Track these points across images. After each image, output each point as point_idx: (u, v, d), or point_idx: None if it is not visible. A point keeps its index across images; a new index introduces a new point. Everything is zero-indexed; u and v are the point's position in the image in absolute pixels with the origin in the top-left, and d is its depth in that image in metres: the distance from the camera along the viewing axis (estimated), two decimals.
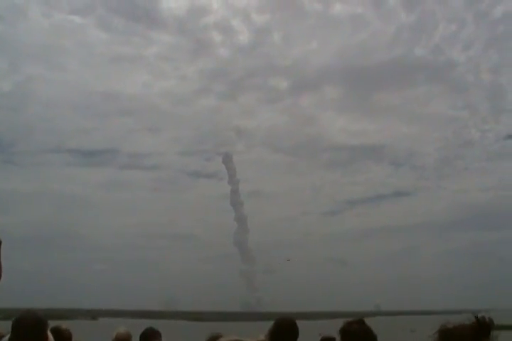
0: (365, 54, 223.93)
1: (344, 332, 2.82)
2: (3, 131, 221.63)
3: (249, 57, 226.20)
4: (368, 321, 2.94)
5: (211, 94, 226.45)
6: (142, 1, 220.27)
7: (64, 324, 3.80)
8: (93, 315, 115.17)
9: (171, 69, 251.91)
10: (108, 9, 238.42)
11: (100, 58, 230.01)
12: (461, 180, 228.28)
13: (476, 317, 2.13)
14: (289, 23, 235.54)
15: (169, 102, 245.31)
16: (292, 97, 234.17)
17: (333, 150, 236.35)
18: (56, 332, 3.34)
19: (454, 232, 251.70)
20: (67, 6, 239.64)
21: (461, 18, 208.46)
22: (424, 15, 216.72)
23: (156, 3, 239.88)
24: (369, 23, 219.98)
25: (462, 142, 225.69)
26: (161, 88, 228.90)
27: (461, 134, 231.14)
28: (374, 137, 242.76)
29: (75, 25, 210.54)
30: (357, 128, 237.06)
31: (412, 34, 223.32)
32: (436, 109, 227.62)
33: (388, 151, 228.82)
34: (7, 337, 2.73)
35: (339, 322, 2.97)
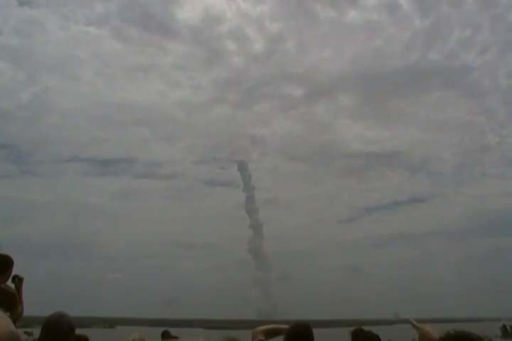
0: (380, 60, 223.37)
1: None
2: (21, 142, 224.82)
3: (263, 65, 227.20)
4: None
5: (225, 102, 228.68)
6: (156, 12, 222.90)
7: (82, 332, 3.83)
8: (110, 323, 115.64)
9: (186, 78, 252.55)
10: (123, 20, 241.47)
11: (115, 68, 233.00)
12: (479, 186, 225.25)
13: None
14: (302, 31, 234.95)
15: (184, 111, 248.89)
16: (307, 105, 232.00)
17: (349, 157, 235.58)
18: (76, 339, 3.36)
19: (472, 239, 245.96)
20: (83, 18, 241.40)
21: (476, 23, 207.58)
22: (439, 20, 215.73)
23: (170, 13, 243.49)
24: (383, 30, 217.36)
25: (479, 147, 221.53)
26: (176, 97, 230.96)
27: (479, 139, 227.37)
28: (390, 144, 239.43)
29: (91, 37, 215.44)
30: (372, 135, 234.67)
31: (427, 39, 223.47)
32: (452, 115, 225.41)
33: (404, 158, 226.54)
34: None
35: None
